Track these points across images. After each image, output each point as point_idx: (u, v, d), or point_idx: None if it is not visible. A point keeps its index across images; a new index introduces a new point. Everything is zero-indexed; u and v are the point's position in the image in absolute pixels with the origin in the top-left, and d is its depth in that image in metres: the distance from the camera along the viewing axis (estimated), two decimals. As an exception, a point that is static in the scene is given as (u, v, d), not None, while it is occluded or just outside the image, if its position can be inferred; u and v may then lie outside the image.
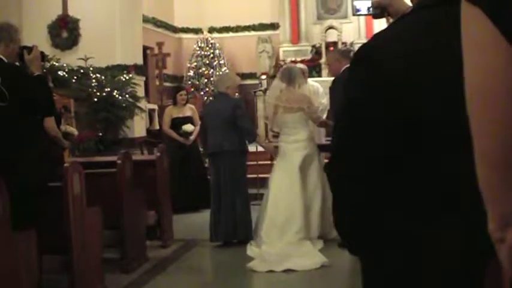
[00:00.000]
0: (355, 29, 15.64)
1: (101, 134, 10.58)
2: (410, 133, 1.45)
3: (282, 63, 15.69)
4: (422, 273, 1.49)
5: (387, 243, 1.52)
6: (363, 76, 1.52)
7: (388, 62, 1.47)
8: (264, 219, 6.94)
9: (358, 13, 2.44)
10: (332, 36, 15.55)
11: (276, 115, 7.23)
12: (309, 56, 15.96)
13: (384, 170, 1.49)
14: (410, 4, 1.72)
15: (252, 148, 8.20)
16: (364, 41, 14.82)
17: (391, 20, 2.35)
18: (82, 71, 11.02)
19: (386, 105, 1.46)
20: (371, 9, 2.42)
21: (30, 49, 4.87)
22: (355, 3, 2.36)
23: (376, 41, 1.58)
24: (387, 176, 1.49)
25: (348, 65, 6.18)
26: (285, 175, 7.10)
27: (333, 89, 6.96)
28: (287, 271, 6.20)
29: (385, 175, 1.49)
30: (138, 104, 11.25)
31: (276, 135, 7.96)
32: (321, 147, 7.68)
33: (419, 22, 1.53)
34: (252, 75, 16.16)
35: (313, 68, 15.39)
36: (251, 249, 6.84)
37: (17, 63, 4.86)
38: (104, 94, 10.60)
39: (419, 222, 1.48)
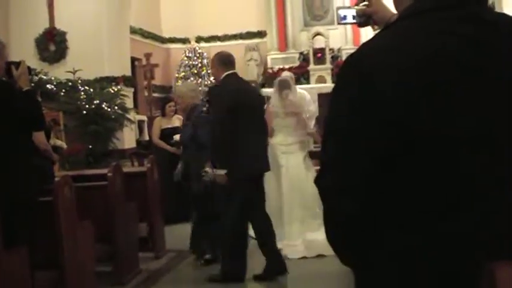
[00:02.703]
0: (342, 35, 15.72)
1: (90, 146, 10.55)
2: (404, 142, 1.45)
3: (270, 71, 15.74)
4: (418, 283, 1.49)
5: (381, 254, 1.52)
6: (353, 87, 1.51)
7: (379, 72, 1.46)
8: (283, 214, 7.66)
9: (343, 21, 2.44)
10: (319, 43, 15.62)
11: (275, 120, 7.79)
12: (297, 63, 16.02)
13: (377, 183, 1.49)
14: (395, 11, 1.72)
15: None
16: (352, 47, 14.95)
17: (376, 28, 2.34)
18: (70, 83, 11.01)
19: (378, 116, 1.45)
20: (355, 17, 2.41)
21: (17, 64, 4.84)
22: (339, 11, 2.34)
23: (365, 51, 1.56)
24: (380, 188, 1.49)
25: (227, 73, 6.21)
26: (293, 172, 7.82)
27: (211, 101, 6.64)
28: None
29: (378, 187, 1.49)
30: (127, 116, 11.23)
31: None
32: (310, 154, 8.30)
33: (408, 30, 1.53)
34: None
35: (302, 75, 15.45)
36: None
37: (4, 79, 4.83)
38: (93, 106, 10.58)
39: (414, 232, 1.48)
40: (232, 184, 6.05)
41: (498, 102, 1.49)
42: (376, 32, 1.74)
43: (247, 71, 16.02)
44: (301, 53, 16.16)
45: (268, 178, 7.30)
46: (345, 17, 2.50)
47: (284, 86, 7.99)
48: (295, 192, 7.78)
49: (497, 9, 10.10)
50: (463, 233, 1.45)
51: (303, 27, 16.49)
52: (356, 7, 2.38)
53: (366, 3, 2.33)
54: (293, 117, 7.89)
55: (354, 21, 2.42)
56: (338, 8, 2.52)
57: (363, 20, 2.36)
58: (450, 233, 1.45)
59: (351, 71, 1.54)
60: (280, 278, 6.44)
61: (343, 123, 1.52)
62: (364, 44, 1.61)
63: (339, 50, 15.76)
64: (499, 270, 1.45)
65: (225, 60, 6.35)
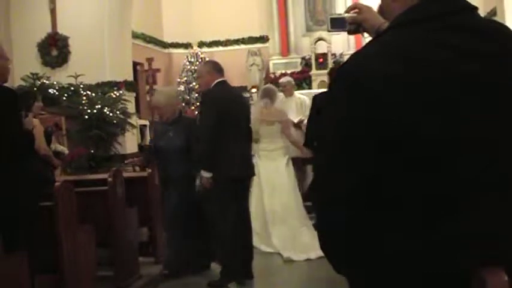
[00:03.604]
0: (345, 41, 15.70)
1: (92, 151, 10.56)
2: (394, 151, 1.46)
3: (272, 75, 15.75)
4: None
5: (373, 263, 1.52)
6: (344, 96, 1.53)
7: (368, 81, 1.48)
8: (267, 217, 8.09)
9: (333, 29, 2.45)
10: (322, 48, 15.62)
11: (260, 126, 8.25)
12: (298, 68, 16.02)
13: (369, 191, 1.49)
14: (383, 20, 1.73)
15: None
16: (354, 52, 14.89)
17: (365, 35, 2.35)
18: (72, 88, 11.02)
19: (367, 124, 1.47)
20: (346, 24, 2.41)
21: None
22: (329, 18, 2.35)
23: (359, 60, 1.58)
24: (373, 197, 1.49)
25: (219, 80, 6.42)
26: (274, 176, 8.26)
27: (203, 103, 6.70)
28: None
29: (371, 195, 1.49)
30: (129, 120, 11.24)
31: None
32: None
33: (401, 40, 1.54)
34: (242, 89, 16.19)
35: (303, 80, 15.46)
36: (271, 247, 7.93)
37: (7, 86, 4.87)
38: (95, 111, 10.59)
39: (410, 238, 1.48)
40: (217, 187, 6.22)
41: (493, 106, 1.50)
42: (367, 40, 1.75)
43: (249, 75, 16.02)
44: (303, 58, 16.17)
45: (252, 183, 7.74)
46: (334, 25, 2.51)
47: (265, 94, 8.42)
48: (277, 196, 8.18)
49: (499, 16, 10.10)
50: (460, 236, 1.46)
51: (305, 32, 16.50)
52: (346, 14, 2.39)
53: (356, 10, 2.34)
54: (275, 125, 8.31)
55: (344, 28, 2.42)
56: (329, 15, 2.53)
57: (352, 27, 2.37)
58: (447, 237, 1.46)
59: (344, 81, 1.55)
60: (283, 279, 6.51)
61: (337, 133, 1.53)
62: (356, 53, 1.62)
63: (341, 55, 15.75)
64: (488, 277, 1.46)
65: (217, 68, 6.56)
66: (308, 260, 7.31)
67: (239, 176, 6.40)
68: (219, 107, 6.25)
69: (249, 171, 6.67)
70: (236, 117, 6.40)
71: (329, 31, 2.60)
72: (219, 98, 6.34)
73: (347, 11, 2.40)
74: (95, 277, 5.80)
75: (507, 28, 1.64)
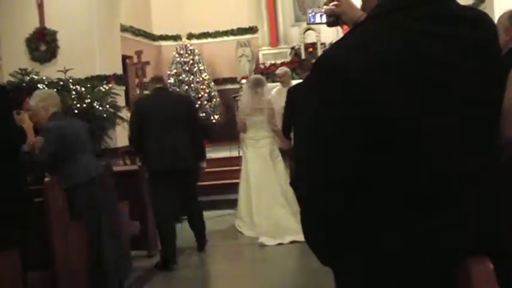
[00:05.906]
0: (334, 30, 15.65)
1: (83, 145, 10.51)
2: (378, 140, 1.46)
3: (261, 66, 15.73)
4: (395, 282, 1.50)
5: (360, 254, 1.53)
6: (326, 87, 1.51)
7: (351, 71, 1.47)
8: (252, 204, 8.42)
9: (312, 21, 2.46)
10: (311, 38, 15.59)
11: (248, 116, 8.61)
12: (288, 58, 16.00)
13: (356, 185, 1.49)
14: (362, 12, 1.74)
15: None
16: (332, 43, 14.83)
17: (344, 28, 2.36)
18: (62, 83, 10.96)
19: (354, 115, 1.46)
20: (325, 17, 2.42)
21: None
22: (308, 11, 2.36)
23: (337, 51, 1.57)
24: (360, 190, 1.49)
25: (156, 86, 7.51)
26: (260, 164, 8.52)
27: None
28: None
29: (357, 189, 1.49)
30: (120, 114, 11.21)
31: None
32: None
33: (377, 30, 1.54)
34: (232, 80, 16.19)
35: (293, 70, 15.44)
36: (246, 232, 8.50)
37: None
38: (84, 105, 10.53)
39: (393, 232, 1.49)
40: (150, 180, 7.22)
41: (469, 95, 1.51)
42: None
43: (239, 67, 15.99)
44: (292, 48, 16.14)
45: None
46: (313, 17, 2.52)
47: (253, 84, 8.70)
48: (263, 184, 8.43)
49: (487, 3, 10.09)
50: (440, 230, 1.46)
51: (294, 22, 16.47)
52: (325, 7, 2.40)
53: (335, 3, 2.34)
54: (263, 114, 8.58)
55: (323, 21, 2.43)
56: (308, 9, 2.55)
57: (331, 20, 2.37)
58: (426, 231, 1.46)
59: (323, 71, 1.55)
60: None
61: (318, 124, 1.53)
62: (334, 44, 1.62)
63: (331, 44, 15.74)
64: (473, 266, 1.47)
65: (153, 79, 7.85)
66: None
67: (165, 169, 7.04)
68: (139, 115, 7.26)
69: (177, 165, 7.16)
70: (160, 118, 7.08)
71: (308, 24, 2.62)
72: (137, 105, 7.65)
73: (326, 3, 2.40)
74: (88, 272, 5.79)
75: (486, 15, 1.64)
